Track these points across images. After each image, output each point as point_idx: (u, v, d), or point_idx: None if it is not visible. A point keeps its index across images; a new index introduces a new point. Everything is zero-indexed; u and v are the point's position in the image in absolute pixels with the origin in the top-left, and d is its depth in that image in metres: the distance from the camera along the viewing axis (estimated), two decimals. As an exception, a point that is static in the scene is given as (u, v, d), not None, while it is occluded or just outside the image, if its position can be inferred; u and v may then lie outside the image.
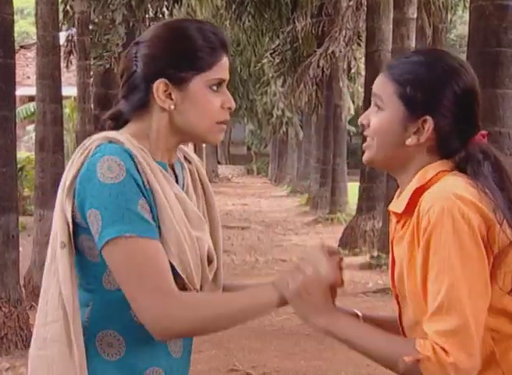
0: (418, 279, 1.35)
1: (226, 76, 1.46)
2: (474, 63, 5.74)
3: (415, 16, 8.74)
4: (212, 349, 5.20)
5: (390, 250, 1.49)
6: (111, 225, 1.31)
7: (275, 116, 23.73)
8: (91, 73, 9.55)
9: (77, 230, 1.37)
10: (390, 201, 1.51)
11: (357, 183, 11.53)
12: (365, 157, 1.50)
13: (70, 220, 1.36)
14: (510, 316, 1.37)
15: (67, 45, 11.29)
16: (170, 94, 1.42)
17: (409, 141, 1.42)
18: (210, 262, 1.47)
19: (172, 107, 1.42)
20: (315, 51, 14.31)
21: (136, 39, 1.48)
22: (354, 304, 6.83)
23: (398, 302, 1.47)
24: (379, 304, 6.69)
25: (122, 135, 1.41)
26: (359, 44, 14.78)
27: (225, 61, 1.46)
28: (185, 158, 1.57)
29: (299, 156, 26.05)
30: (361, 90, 16.86)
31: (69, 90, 13.37)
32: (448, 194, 1.33)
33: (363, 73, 16.20)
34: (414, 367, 1.29)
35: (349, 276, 8.67)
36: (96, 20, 10.30)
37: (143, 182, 1.36)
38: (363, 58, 15.50)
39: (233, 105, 1.48)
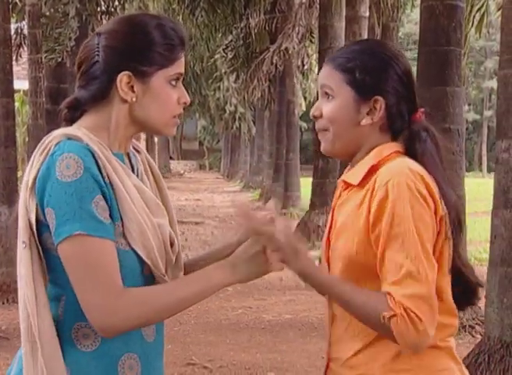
0: (356, 240, 1.46)
1: (183, 71, 1.53)
2: (425, 61, 5.89)
3: (367, 14, 8.88)
4: (168, 344, 5.19)
5: (330, 216, 1.59)
6: (63, 224, 1.34)
7: (227, 111, 23.76)
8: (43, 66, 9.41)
9: (41, 228, 1.40)
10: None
11: (309, 179, 11.66)
12: (324, 147, 1.60)
13: (34, 220, 1.38)
14: (437, 291, 1.46)
15: (16, 38, 11.09)
16: (132, 86, 1.46)
17: (363, 122, 1.54)
18: (171, 245, 1.52)
19: (134, 99, 1.46)
20: (268, 48, 14.39)
21: (98, 30, 1.50)
22: (311, 295, 6.94)
23: (328, 263, 1.56)
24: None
25: (80, 130, 1.43)
26: (311, 41, 14.92)
27: (183, 57, 1.52)
28: (134, 148, 1.61)
29: (251, 151, 26.14)
30: (313, 86, 17.03)
31: (18, 83, 13.12)
32: (405, 170, 1.45)
33: (315, 69, 16.40)
34: (386, 323, 1.40)
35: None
36: (47, 13, 10.16)
37: (103, 177, 1.39)
38: (315, 55, 15.68)
39: (188, 100, 1.55)
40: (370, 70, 1.53)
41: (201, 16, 15.90)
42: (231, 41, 16.25)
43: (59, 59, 9.75)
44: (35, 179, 1.38)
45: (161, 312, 1.40)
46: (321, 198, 11.09)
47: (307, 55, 15.16)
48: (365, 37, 9.27)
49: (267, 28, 14.23)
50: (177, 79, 1.51)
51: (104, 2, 12.10)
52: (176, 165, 40.22)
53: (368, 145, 1.55)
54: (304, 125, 28.29)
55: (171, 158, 40.63)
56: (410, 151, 1.53)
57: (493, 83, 43.62)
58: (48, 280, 1.43)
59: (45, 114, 9.27)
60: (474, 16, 8.97)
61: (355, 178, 1.54)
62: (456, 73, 5.82)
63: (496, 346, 4.28)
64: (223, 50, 16.53)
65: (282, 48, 13.83)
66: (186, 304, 1.42)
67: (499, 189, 4.36)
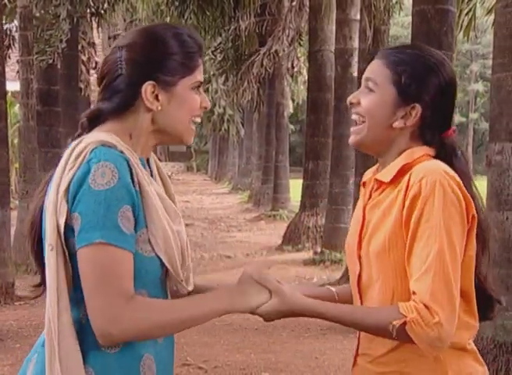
0: (387, 234, 1.49)
1: (202, 78, 1.58)
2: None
3: (358, 17, 8.93)
4: (163, 345, 5.23)
5: (361, 215, 1.62)
6: (86, 230, 1.37)
7: (216, 113, 23.76)
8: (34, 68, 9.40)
9: (68, 233, 1.42)
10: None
11: (297, 180, 11.73)
12: (354, 140, 1.64)
13: (63, 224, 1.40)
14: (461, 293, 1.50)
15: (5, 40, 11.05)
16: (157, 95, 1.50)
17: (396, 124, 1.58)
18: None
19: (159, 108, 1.51)
20: (258, 50, 14.42)
21: (118, 43, 1.54)
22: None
23: (360, 263, 1.59)
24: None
25: (112, 136, 1.46)
26: (300, 44, 14.98)
27: (201, 64, 1.57)
28: None
29: (240, 153, 26.16)
30: (303, 88, 17.09)
31: (7, 85, 13.07)
32: (439, 169, 1.49)
33: (303, 71, 16.45)
34: (401, 330, 1.42)
35: (294, 272, 8.83)
36: (37, 15, 10.13)
37: (134, 185, 1.42)
38: (302, 58, 15.74)
39: (209, 104, 1.60)
40: (417, 78, 1.57)
41: (190, 18, 15.89)
42: (220, 43, 16.25)
43: (50, 61, 9.73)
44: (69, 184, 1.40)
45: (164, 328, 1.43)
46: (312, 199, 11.15)
47: (297, 57, 15.21)
48: (356, 40, 9.33)
49: (257, 31, 14.26)
50: (198, 86, 1.56)
51: (94, 4, 12.09)
52: (164, 167, 39.95)
53: (397, 148, 1.59)
54: (292, 127, 28.31)
55: (158, 159, 40.50)
56: (443, 160, 1.56)
57: (479, 86, 43.86)
58: (72, 284, 1.44)
59: (36, 116, 9.26)
60: (462, 20, 9.06)
61: (387, 176, 1.57)
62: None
63: (489, 346, 4.33)
64: (212, 52, 16.52)
65: (272, 50, 13.87)
66: (192, 323, 1.45)
67: (492, 191, 4.43)
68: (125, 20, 26.31)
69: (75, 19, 10.24)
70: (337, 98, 9.90)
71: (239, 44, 15.46)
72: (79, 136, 1.52)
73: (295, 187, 16.26)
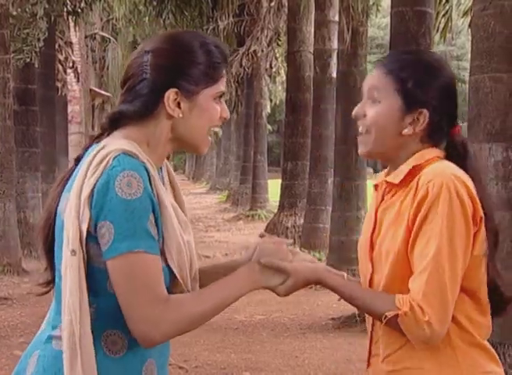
0: (399, 239, 1.52)
1: (225, 88, 1.59)
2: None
3: (337, 18, 8.99)
4: (143, 345, 5.23)
5: (373, 217, 1.64)
6: (122, 240, 1.38)
7: (194, 113, 23.68)
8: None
9: (87, 239, 1.42)
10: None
11: (274, 180, 11.77)
12: (363, 151, 1.64)
13: (85, 230, 1.40)
14: (468, 293, 1.55)
15: (-19, 39, 10.94)
16: (179, 103, 1.50)
17: (405, 131, 1.58)
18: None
19: (181, 115, 1.51)
20: (237, 50, 14.44)
21: (145, 47, 1.54)
22: (280, 297, 6.99)
23: (372, 264, 1.62)
24: (309, 292, 6.87)
25: (133, 145, 1.46)
26: (278, 44, 15.02)
27: (225, 75, 1.58)
28: None
29: (218, 153, 26.15)
30: (281, 88, 17.15)
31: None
32: (447, 172, 1.51)
33: (281, 71, 16.50)
34: (393, 320, 1.48)
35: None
36: (14, 13, 10.04)
37: (153, 196, 1.43)
38: (280, 58, 15.79)
39: (228, 115, 1.61)
40: (421, 84, 1.57)
41: (168, 18, 15.86)
42: (198, 43, 16.23)
43: (27, 60, 9.64)
44: (92, 190, 1.40)
45: (200, 320, 1.46)
46: (290, 199, 11.20)
47: (275, 57, 15.26)
48: (335, 41, 9.39)
49: (235, 31, 14.28)
50: (220, 96, 1.56)
51: (71, 3, 12.02)
52: (141, 166, 39.89)
53: (406, 154, 1.60)
54: (269, 127, 28.36)
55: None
56: (453, 160, 1.58)
57: (454, 87, 44.15)
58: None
59: (13, 115, 9.18)
60: (439, 22, 9.15)
61: (397, 178, 1.59)
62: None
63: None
64: (191, 52, 16.50)
65: (251, 50, 13.90)
66: (224, 307, 1.49)
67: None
68: (101, 19, 26.20)
69: (52, 18, 10.16)
70: (316, 98, 9.96)
71: (217, 44, 15.46)
72: (98, 137, 1.53)
73: (272, 187, 16.30)
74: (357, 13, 8.26)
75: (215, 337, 5.85)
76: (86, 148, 1.53)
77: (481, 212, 1.52)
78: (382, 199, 1.64)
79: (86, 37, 22.57)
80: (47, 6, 9.69)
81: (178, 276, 1.48)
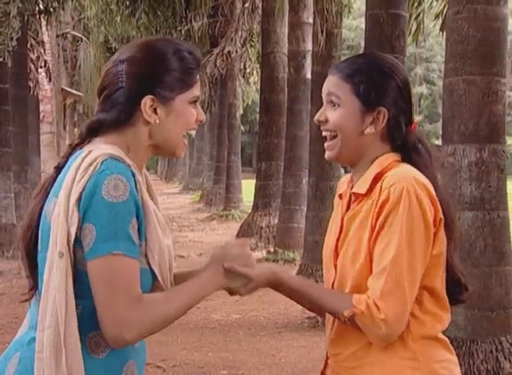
0: (365, 241, 1.58)
1: (199, 93, 1.64)
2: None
3: (311, 20, 9.06)
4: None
5: (339, 226, 1.70)
6: (103, 241, 1.41)
7: (166, 113, 23.61)
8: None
9: (74, 241, 1.44)
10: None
11: (247, 180, 11.80)
12: (329, 154, 1.72)
13: (74, 233, 1.43)
14: (428, 290, 1.62)
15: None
16: (155, 109, 1.55)
17: (367, 131, 1.66)
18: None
19: (157, 121, 1.55)
20: (211, 51, 14.46)
21: (120, 57, 1.57)
22: (258, 296, 7.05)
23: (335, 269, 1.68)
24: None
25: (117, 149, 1.50)
26: (251, 45, 15.07)
27: (199, 79, 1.63)
28: None
29: (191, 154, 26.10)
30: (254, 89, 17.20)
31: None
32: (408, 176, 1.58)
33: (253, 72, 16.55)
34: (351, 319, 1.55)
35: (248, 271, 8.88)
36: (-13, 12, 9.94)
37: (138, 200, 1.46)
38: (253, 58, 15.84)
39: (204, 118, 1.66)
40: (375, 84, 1.65)
41: (141, 18, 15.81)
42: (172, 43, 16.19)
43: (0, 59, 9.55)
44: (81, 194, 1.43)
45: (170, 320, 1.50)
46: (264, 199, 11.25)
47: (249, 58, 15.30)
48: (309, 42, 9.46)
49: (209, 31, 14.29)
50: (195, 101, 1.61)
51: (43, 2, 11.93)
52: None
53: (370, 154, 1.67)
54: (242, 128, 28.40)
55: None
56: (408, 162, 1.65)
57: (423, 89, 44.75)
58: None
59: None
60: (412, 25, 9.28)
61: (362, 188, 1.65)
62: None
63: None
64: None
65: (225, 51, 13.93)
66: (190, 307, 1.53)
67: (444, 191, 4.56)
68: (73, 19, 25.98)
69: (25, 17, 10.08)
70: (290, 99, 10.02)
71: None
72: (78, 145, 1.56)
73: (246, 187, 16.35)
74: (331, 15, 8.34)
75: (192, 336, 5.87)
76: (66, 156, 1.56)
77: (440, 214, 1.59)
78: (348, 208, 1.70)
79: (57, 36, 22.38)
80: (20, 5, 9.61)
81: (159, 278, 1.52)
